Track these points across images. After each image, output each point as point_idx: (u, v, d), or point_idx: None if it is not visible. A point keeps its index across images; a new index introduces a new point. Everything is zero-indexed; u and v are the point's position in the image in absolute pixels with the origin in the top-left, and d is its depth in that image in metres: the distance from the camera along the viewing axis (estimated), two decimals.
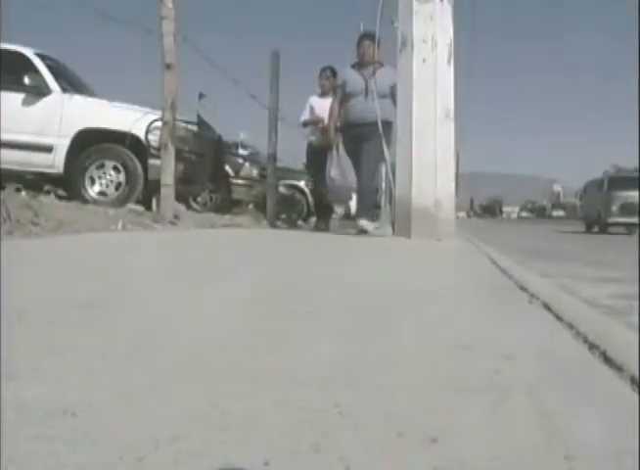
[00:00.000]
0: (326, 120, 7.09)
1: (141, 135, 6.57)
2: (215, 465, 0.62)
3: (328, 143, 6.77)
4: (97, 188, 6.91)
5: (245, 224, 6.87)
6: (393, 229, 5.45)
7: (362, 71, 6.38)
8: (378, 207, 8.91)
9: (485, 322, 1.47)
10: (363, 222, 6.30)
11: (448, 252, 3.97)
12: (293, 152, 13.37)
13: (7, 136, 6.58)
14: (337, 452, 0.65)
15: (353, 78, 6.47)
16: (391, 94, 6.14)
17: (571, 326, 1.35)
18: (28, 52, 7.34)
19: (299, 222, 9.54)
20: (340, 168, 6.75)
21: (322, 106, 7.25)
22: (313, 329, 1.31)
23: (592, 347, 1.16)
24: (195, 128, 7.54)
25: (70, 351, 1.04)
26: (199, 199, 9.12)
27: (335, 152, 6.67)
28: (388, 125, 6.31)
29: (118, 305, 1.53)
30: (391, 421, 0.75)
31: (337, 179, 6.71)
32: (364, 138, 6.36)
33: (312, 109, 7.59)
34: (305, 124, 7.72)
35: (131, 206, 6.32)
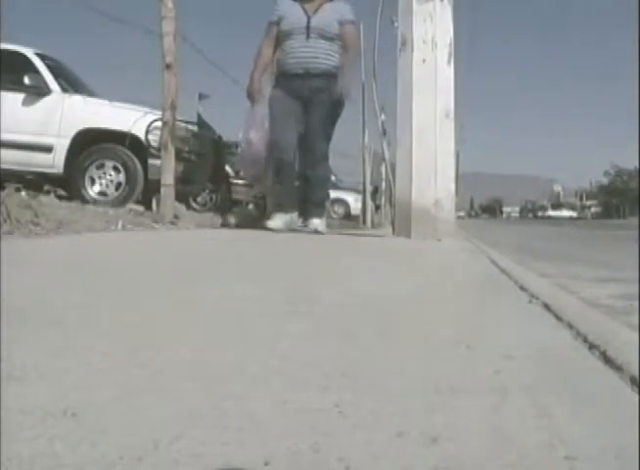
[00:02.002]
0: None
1: (141, 135, 6.58)
2: (215, 465, 0.62)
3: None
4: (97, 188, 6.92)
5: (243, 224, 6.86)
6: (393, 229, 5.45)
7: (304, 5, 5.15)
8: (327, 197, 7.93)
9: (485, 322, 1.47)
10: (315, 222, 5.17)
11: (449, 252, 3.97)
12: None
13: (7, 136, 6.59)
14: (337, 452, 0.65)
15: (292, 12, 5.14)
16: (342, 36, 5.15)
17: (570, 326, 1.35)
18: (28, 52, 7.34)
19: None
20: (262, 130, 5.28)
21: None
22: (313, 329, 1.31)
23: (592, 347, 1.16)
24: (195, 128, 7.55)
25: (70, 350, 1.04)
26: (199, 199, 9.12)
27: (257, 106, 5.30)
28: (336, 79, 5.10)
29: (119, 304, 1.53)
30: (391, 421, 0.75)
31: (255, 144, 5.30)
32: (308, 97, 5.07)
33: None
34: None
35: (131, 206, 6.31)
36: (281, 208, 5.29)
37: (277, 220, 5.14)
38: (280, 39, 5.20)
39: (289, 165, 5.18)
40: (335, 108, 5.24)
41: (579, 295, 2.88)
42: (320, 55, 5.14)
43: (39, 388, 0.83)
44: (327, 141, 5.33)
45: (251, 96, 5.33)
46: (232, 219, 6.19)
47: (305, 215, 5.34)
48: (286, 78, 5.18)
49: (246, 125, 5.48)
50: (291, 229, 5.17)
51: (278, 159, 5.21)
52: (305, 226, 5.26)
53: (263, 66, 5.28)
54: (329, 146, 5.44)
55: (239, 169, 6.20)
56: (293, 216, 5.28)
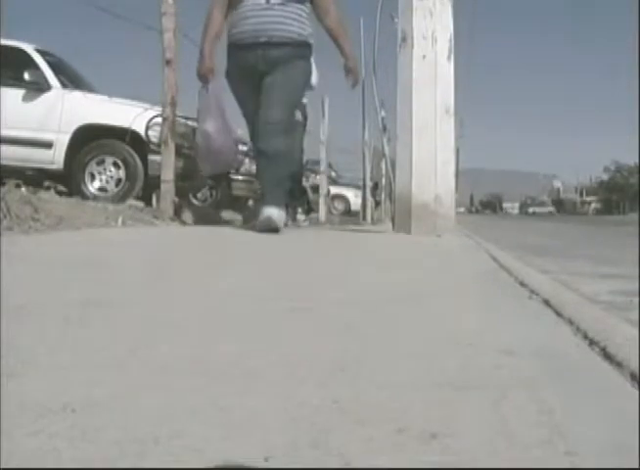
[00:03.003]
0: None
1: (141, 131, 6.57)
2: (215, 461, 0.62)
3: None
4: (97, 184, 6.91)
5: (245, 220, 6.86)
6: (393, 225, 5.44)
7: None
8: (302, 191, 6.94)
9: (485, 318, 1.47)
10: (270, 211, 3.99)
11: (448, 247, 3.97)
12: None
13: (7, 132, 6.58)
14: (336, 448, 0.65)
15: None
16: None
17: (571, 322, 1.35)
18: (28, 48, 7.33)
19: (303, 217, 9.52)
20: (220, 117, 4.52)
21: None
22: (312, 325, 1.31)
23: (592, 343, 1.16)
24: (195, 124, 7.54)
25: (70, 346, 1.04)
26: (199, 195, 9.12)
27: (211, 88, 4.45)
28: (304, 48, 4.32)
29: (119, 301, 1.53)
30: (391, 417, 0.75)
31: (212, 137, 4.50)
32: (268, 68, 4.18)
33: None
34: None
35: (131, 202, 6.31)
36: (273, 204, 4.17)
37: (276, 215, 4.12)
38: (233, 0, 4.27)
39: (273, 155, 4.16)
40: (300, 76, 4.37)
41: (579, 291, 2.88)
42: (284, 19, 4.21)
43: (39, 384, 0.83)
44: (285, 109, 4.28)
45: (202, 76, 4.43)
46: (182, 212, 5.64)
47: (260, 202, 4.35)
48: (240, 50, 4.27)
49: (200, 114, 4.66)
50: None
51: (259, 151, 4.30)
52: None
53: (214, 35, 4.34)
54: (290, 117, 4.47)
55: (199, 167, 5.17)
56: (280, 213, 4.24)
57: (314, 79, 5.40)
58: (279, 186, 4.27)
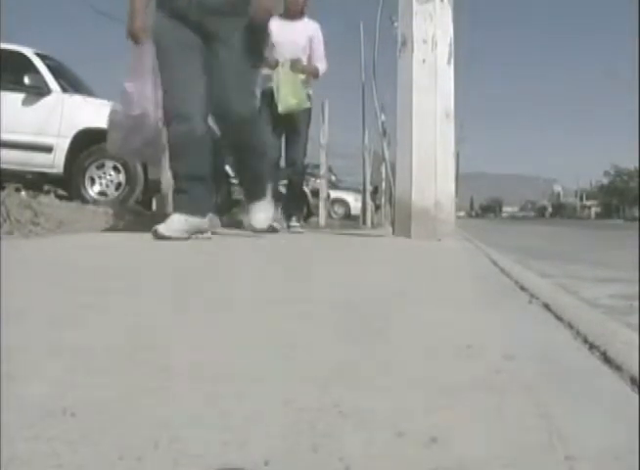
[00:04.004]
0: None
1: None
2: (215, 465, 0.62)
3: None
4: (97, 188, 6.93)
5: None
6: (393, 229, 5.45)
7: None
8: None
9: (485, 322, 1.47)
10: (257, 210, 3.71)
11: (449, 252, 3.97)
12: None
13: (7, 136, 6.60)
14: (337, 452, 0.65)
15: None
16: None
17: (571, 326, 1.35)
18: (28, 52, 7.35)
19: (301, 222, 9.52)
20: (151, 82, 3.61)
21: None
22: (312, 329, 1.31)
23: (592, 347, 1.16)
24: None
25: (70, 350, 1.03)
26: None
27: (144, 49, 3.60)
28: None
29: (118, 304, 1.53)
30: (391, 421, 0.74)
31: (136, 98, 3.62)
32: (209, 29, 3.45)
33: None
34: None
35: (131, 206, 6.32)
36: (181, 207, 3.56)
37: (169, 224, 3.50)
38: None
39: (199, 140, 3.48)
40: (254, 37, 3.61)
41: (579, 295, 2.88)
42: None
43: (39, 388, 0.83)
44: (247, 84, 3.65)
45: (133, 36, 3.63)
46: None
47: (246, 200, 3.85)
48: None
49: (128, 77, 3.77)
50: (198, 235, 3.61)
51: (179, 131, 3.50)
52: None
53: None
54: (253, 92, 3.76)
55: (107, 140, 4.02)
56: (200, 221, 3.62)
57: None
58: (261, 180, 3.96)
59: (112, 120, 3.84)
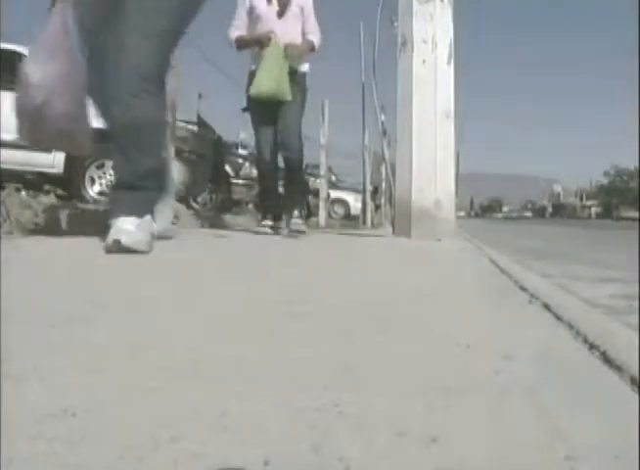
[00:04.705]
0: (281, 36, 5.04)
1: None
2: (215, 465, 0.62)
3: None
4: (97, 188, 6.93)
5: (245, 224, 6.83)
6: (393, 229, 5.45)
7: None
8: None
9: (485, 322, 1.47)
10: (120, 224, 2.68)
11: (449, 252, 3.97)
12: None
13: (7, 136, 6.59)
14: (337, 452, 0.65)
15: None
16: None
17: (571, 326, 1.35)
18: (27, 51, 7.34)
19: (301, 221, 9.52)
20: (65, 55, 2.80)
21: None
22: (312, 329, 1.31)
23: (592, 347, 1.16)
24: (195, 128, 7.56)
25: (70, 350, 1.03)
26: (199, 199, 9.13)
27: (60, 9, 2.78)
28: None
29: (119, 304, 1.53)
30: (391, 420, 0.75)
31: (42, 80, 2.78)
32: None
33: (253, 13, 5.34)
34: (240, 45, 5.51)
35: None
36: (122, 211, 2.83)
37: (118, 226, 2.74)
38: None
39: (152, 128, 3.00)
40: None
41: (579, 295, 2.88)
42: None
43: (39, 388, 0.83)
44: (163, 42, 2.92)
45: None
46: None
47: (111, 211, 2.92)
48: None
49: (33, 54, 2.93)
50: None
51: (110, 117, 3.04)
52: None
53: None
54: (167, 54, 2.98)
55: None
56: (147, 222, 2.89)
57: None
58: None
59: (17, 106, 2.95)
